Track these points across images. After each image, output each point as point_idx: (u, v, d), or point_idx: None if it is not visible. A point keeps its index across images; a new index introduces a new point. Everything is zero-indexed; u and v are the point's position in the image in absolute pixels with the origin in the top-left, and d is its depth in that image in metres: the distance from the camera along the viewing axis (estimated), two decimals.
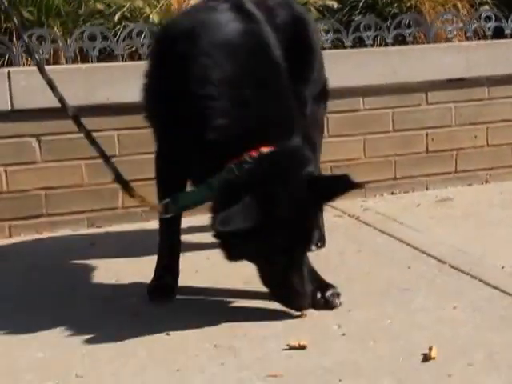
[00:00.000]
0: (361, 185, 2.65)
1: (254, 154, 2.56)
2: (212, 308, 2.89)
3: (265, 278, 2.69)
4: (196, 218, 3.34)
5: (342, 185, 2.61)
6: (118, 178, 2.93)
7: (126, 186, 2.92)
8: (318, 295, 2.79)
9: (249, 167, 2.54)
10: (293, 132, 2.67)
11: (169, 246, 3.05)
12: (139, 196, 2.91)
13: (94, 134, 3.88)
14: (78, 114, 2.96)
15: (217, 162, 2.59)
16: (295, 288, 2.63)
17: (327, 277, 2.91)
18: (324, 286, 2.84)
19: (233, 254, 2.67)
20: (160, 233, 3.07)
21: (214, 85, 2.59)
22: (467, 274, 3.10)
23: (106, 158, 2.95)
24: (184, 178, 2.91)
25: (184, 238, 3.19)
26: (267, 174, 2.54)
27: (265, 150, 2.57)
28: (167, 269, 3.03)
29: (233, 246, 2.61)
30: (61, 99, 2.93)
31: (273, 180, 2.53)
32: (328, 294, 2.81)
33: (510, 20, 4.86)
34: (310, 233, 2.66)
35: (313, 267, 2.86)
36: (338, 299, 2.81)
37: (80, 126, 2.95)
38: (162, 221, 3.03)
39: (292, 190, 2.54)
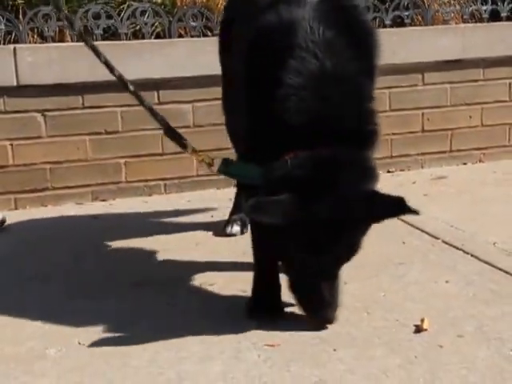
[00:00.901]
0: (416, 212, 2.29)
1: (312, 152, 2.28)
2: (213, 278, 2.89)
3: (295, 284, 2.42)
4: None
5: (396, 208, 2.31)
6: (169, 131, 2.72)
7: (179, 138, 2.68)
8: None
9: (301, 163, 2.27)
10: (366, 142, 2.38)
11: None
12: (192, 148, 2.65)
13: (98, 111, 3.93)
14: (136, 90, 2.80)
15: (278, 150, 2.31)
16: (326, 300, 2.39)
17: None
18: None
19: (264, 247, 2.54)
20: (255, 243, 2.66)
21: (305, 76, 2.33)
22: (460, 249, 3.11)
23: (154, 112, 2.74)
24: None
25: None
26: (319, 175, 2.25)
27: (324, 151, 2.27)
28: (268, 281, 2.64)
29: (268, 238, 2.40)
30: (120, 76, 2.80)
31: (324, 182, 2.25)
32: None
33: (505, 3, 4.84)
34: (355, 247, 2.37)
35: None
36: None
37: (141, 101, 2.78)
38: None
39: (343, 197, 2.25)
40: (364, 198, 2.28)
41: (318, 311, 2.41)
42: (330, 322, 2.42)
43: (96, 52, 2.79)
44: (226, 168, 2.54)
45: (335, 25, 2.40)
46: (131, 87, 2.75)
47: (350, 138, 2.31)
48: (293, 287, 2.43)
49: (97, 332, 2.46)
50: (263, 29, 2.44)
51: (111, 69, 2.79)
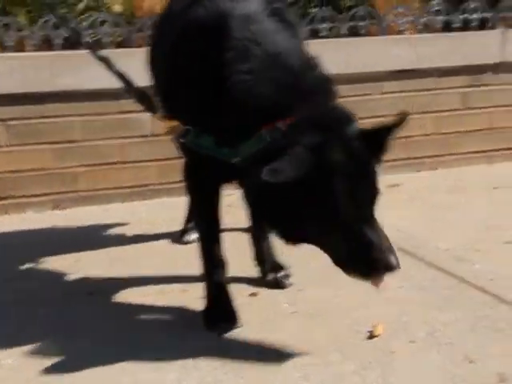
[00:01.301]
0: (405, 116, 2.33)
1: (291, 119, 2.23)
2: (169, 286, 2.90)
3: (336, 252, 2.26)
4: None
5: (387, 130, 2.33)
6: (138, 92, 2.66)
7: (150, 105, 2.63)
8: (270, 276, 2.83)
9: (285, 133, 2.21)
10: (331, 98, 2.35)
11: (216, 262, 2.62)
12: (162, 115, 2.58)
13: (58, 120, 3.92)
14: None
15: (246, 128, 2.28)
16: (377, 244, 2.17)
17: (280, 256, 2.95)
18: (277, 266, 2.87)
19: (292, 237, 2.33)
20: (203, 254, 2.64)
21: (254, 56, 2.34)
22: (413, 256, 3.15)
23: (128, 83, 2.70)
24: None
25: None
26: (314, 128, 2.19)
27: (304, 113, 2.24)
28: (221, 289, 2.62)
29: (292, 226, 2.28)
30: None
31: (323, 132, 2.18)
32: (279, 274, 2.85)
33: (458, 14, 4.90)
34: (376, 183, 2.27)
35: (270, 246, 2.88)
36: (288, 280, 2.84)
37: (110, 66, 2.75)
38: (202, 237, 2.66)
39: (346, 140, 2.19)
40: (363, 134, 2.25)
41: (382, 260, 2.16)
42: (397, 266, 2.18)
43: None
44: (196, 139, 2.44)
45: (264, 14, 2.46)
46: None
47: (312, 99, 2.28)
48: (338, 255, 2.25)
49: (47, 342, 2.45)
50: (195, 22, 2.48)
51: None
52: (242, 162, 2.33)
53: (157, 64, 2.83)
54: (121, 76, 2.65)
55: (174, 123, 2.50)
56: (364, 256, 2.18)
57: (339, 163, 2.17)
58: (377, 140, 2.30)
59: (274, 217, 2.31)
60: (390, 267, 2.17)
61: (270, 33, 2.42)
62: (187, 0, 2.60)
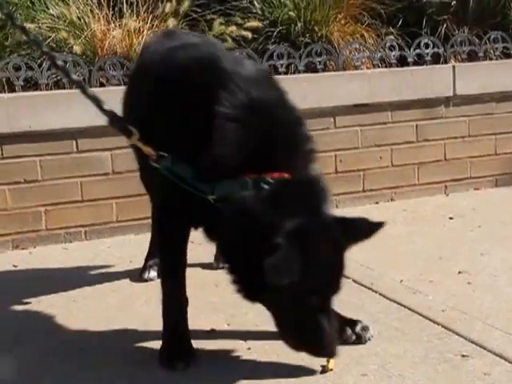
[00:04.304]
0: (381, 224, 2.38)
1: (275, 175, 2.30)
2: (127, 324, 2.87)
3: (287, 325, 2.35)
4: None
5: (365, 228, 2.39)
6: (115, 121, 2.58)
7: (125, 129, 2.54)
8: (349, 331, 2.63)
9: (271, 191, 2.27)
10: (312, 160, 2.42)
11: (179, 306, 2.60)
12: (138, 137, 2.49)
13: (17, 160, 3.89)
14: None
15: (227, 168, 2.32)
16: (326, 334, 2.30)
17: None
18: (351, 321, 2.67)
19: (251, 295, 2.38)
20: (166, 293, 2.61)
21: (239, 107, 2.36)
22: (368, 288, 3.15)
23: (99, 103, 2.58)
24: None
25: None
26: (296, 207, 2.26)
27: (285, 175, 2.31)
28: (179, 327, 2.59)
29: (254, 287, 2.32)
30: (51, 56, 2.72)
31: (304, 217, 2.24)
32: (358, 328, 2.64)
33: (412, 49, 4.95)
34: (341, 274, 2.37)
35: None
36: (368, 332, 2.64)
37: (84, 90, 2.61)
38: (167, 280, 2.62)
39: (323, 230, 2.28)
40: (338, 222, 2.32)
41: (321, 348, 2.32)
42: (333, 355, 2.34)
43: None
44: (171, 165, 2.41)
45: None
46: (74, 77, 2.67)
47: (297, 158, 2.35)
48: (285, 329, 2.36)
49: (6, 381, 2.42)
50: (180, 66, 2.54)
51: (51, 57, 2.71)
52: (217, 200, 2.34)
53: (139, 91, 2.81)
54: (94, 99, 2.62)
55: (149, 148, 2.47)
56: (313, 342, 2.32)
57: (317, 253, 2.24)
58: (352, 230, 2.36)
59: (239, 267, 2.35)
60: (331, 355, 2.35)
61: (256, 80, 2.45)
62: (172, 42, 2.72)
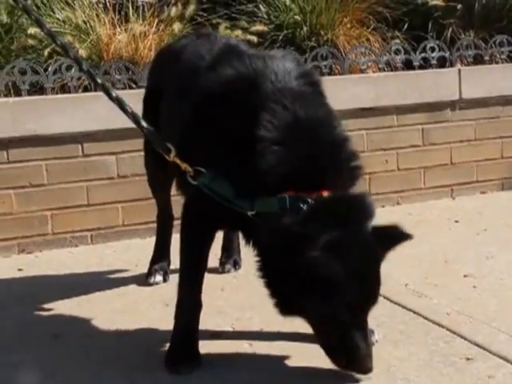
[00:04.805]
0: (410, 236, 2.39)
1: (314, 194, 2.30)
2: (133, 328, 2.88)
3: (325, 338, 2.36)
4: None
5: (398, 236, 2.40)
6: (153, 139, 2.64)
7: (163, 146, 2.56)
8: None
9: (310, 210, 2.28)
10: (356, 178, 2.42)
11: (192, 310, 2.61)
12: (175, 157, 2.53)
13: (22, 165, 3.91)
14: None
15: (266, 186, 2.33)
16: (361, 349, 2.30)
17: (243, 295, 2.94)
18: None
19: (288, 309, 2.39)
20: (182, 296, 2.61)
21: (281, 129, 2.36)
22: None
23: (137, 120, 2.65)
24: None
25: None
26: (333, 222, 2.25)
27: (325, 193, 2.32)
28: (190, 331, 2.59)
29: (291, 300, 2.34)
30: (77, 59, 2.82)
31: (340, 231, 2.24)
32: None
33: (417, 53, 4.96)
34: (378, 288, 2.40)
35: None
36: (373, 336, 2.61)
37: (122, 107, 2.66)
38: (185, 284, 2.62)
39: (360, 241, 2.29)
40: (376, 233, 2.32)
41: (357, 364, 2.32)
42: (368, 371, 2.33)
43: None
44: (208, 181, 2.43)
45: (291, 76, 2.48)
46: (114, 93, 2.69)
47: (338, 177, 2.35)
48: (323, 341, 2.37)
49: None
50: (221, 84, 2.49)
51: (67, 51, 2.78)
52: (255, 216, 2.36)
53: (177, 107, 2.77)
54: (133, 116, 2.64)
55: (186, 164, 2.49)
56: (348, 357, 2.31)
57: (351, 273, 2.23)
58: (388, 239, 2.38)
59: (276, 282, 2.36)
60: (364, 372, 2.34)
61: (300, 97, 2.42)
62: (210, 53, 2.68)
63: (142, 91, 3.32)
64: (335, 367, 2.36)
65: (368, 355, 2.31)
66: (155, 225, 3.50)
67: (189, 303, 2.59)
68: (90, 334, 2.85)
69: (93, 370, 2.53)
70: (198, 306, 2.60)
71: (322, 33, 5.06)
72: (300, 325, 2.73)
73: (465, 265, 3.45)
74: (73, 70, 4.31)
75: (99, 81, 2.76)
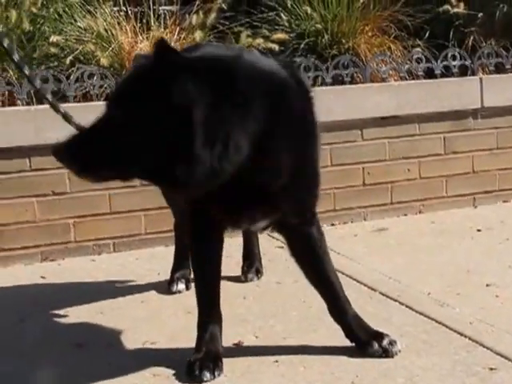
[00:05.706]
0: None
1: None
2: (155, 337, 2.90)
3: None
4: None
5: None
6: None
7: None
8: (375, 345, 2.62)
9: None
10: None
11: (212, 314, 2.65)
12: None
13: (45, 173, 3.94)
14: None
15: None
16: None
17: (264, 305, 2.96)
18: (378, 334, 2.67)
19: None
20: (199, 298, 2.66)
21: None
22: (395, 300, 3.16)
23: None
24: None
25: None
26: None
27: None
28: (212, 339, 2.62)
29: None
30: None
31: None
32: (384, 342, 2.63)
33: (439, 61, 4.97)
34: None
35: (360, 317, 2.71)
36: (396, 346, 2.63)
37: None
38: (201, 288, 2.68)
39: None
40: None
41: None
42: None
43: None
44: None
45: None
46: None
47: None
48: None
49: None
50: None
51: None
52: None
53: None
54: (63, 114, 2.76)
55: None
56: None
57: None
58: None
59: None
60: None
61: None
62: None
63: None
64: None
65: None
66: None
67: (208, 313, 2.63)
68: (112, 343, 2.87)
69: (114, 379, 2.55)
70: (217, 314, 2.64)
71: (344, 41, 5.09)
72: (323, 333, 2.77)
73: (487, 274, 3.45)
74: (95, 77, 4.36)
75: (26, 72, 2.85)
